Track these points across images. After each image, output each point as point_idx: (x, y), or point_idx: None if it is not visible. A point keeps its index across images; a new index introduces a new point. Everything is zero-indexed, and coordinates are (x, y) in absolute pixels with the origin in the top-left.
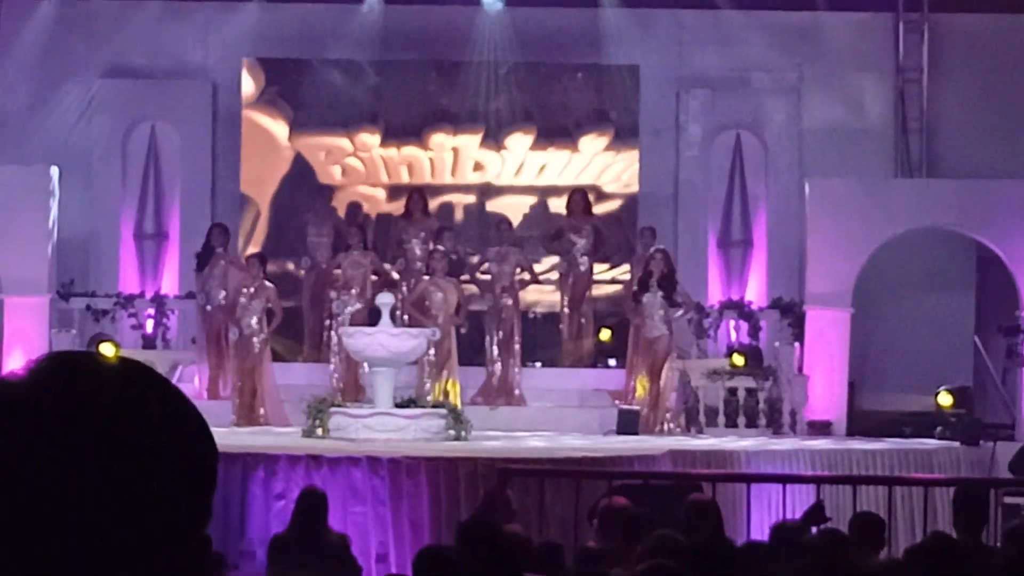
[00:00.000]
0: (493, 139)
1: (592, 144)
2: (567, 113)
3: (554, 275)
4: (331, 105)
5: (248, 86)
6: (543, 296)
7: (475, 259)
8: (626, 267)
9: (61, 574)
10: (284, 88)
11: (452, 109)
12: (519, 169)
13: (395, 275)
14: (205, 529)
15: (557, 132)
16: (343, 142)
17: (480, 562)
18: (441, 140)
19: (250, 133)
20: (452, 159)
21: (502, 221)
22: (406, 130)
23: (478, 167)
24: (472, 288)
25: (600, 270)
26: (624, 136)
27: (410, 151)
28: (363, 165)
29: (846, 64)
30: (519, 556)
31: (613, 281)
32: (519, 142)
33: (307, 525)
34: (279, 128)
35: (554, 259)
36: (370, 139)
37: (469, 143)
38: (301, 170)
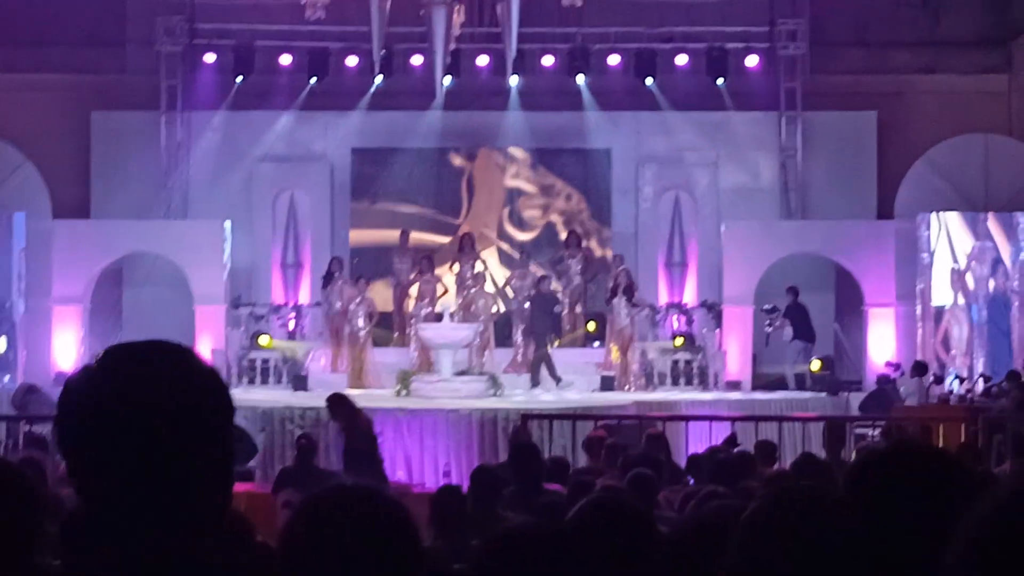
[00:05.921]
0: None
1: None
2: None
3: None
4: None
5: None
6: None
7: (508, 275)
8: None
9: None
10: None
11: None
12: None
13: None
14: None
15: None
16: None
17: (519, 474)
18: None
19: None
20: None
21: (523, 251)
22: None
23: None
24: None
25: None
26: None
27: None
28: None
29: (747, 146)
30: (542, 470)
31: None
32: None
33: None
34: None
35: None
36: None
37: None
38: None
